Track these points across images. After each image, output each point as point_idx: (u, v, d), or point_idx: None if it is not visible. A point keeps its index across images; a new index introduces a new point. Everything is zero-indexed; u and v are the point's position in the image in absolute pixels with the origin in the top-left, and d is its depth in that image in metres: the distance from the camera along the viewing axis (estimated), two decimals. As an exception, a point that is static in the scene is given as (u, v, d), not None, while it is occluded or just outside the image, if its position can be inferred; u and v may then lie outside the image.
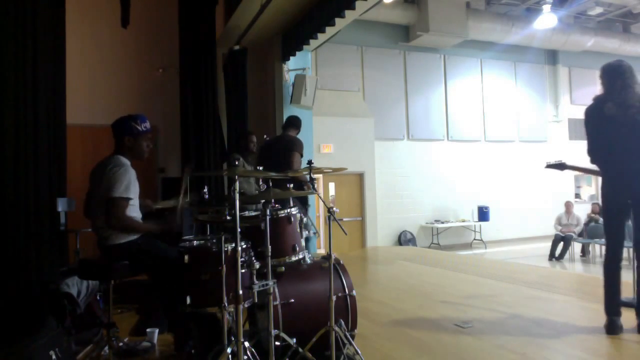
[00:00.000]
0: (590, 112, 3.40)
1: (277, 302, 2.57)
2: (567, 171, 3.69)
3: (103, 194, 2.74)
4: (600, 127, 3.32)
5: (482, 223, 11.27)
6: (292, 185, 2.73)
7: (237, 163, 2.32)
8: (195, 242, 2.58)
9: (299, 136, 5.07)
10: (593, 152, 3.36)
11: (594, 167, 3.43)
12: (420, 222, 10.90)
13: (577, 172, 3.46)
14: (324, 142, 9.20)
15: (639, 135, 3.16)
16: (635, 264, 3.34)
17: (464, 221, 11.22)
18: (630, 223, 3.31)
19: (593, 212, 10.79)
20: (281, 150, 4.78)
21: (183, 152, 7.24)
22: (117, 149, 2.92)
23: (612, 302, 3.19)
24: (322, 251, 7.96)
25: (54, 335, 2.50)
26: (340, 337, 2.54)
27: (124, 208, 2.74)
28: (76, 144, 6.84)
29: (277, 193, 2.61)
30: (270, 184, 2.74)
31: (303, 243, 2.87)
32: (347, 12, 6.33)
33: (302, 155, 4.75)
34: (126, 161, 2.87)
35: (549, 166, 3.71)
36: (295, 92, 7.62)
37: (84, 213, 3.00)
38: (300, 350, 2.52)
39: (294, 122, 5.12)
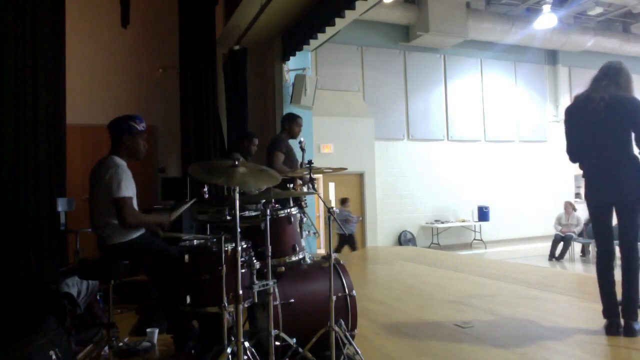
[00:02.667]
0: (569, 111, 3.36)
1: (277, 302, 2.57)
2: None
3: (105, 196, 2.74)
4: (576, 126, 3.27)
5: (482, 223, 11.27)
6: (291, 186, 2.73)
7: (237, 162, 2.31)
8: (195, 242, 2.58)
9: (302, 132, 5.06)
10: (571, 152, 3.33)
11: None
12: (420, 222, 10.90)
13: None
14: (324, 142, 9.21)
15: (610, 130, 3.08)
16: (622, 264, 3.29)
17: (463, 221, 11.22)
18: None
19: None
20: (268, 151, 4.88)
21: (183, 152, 7.24)
22: (113, 149, 2.91)
23: (610, 304, 3.18)
24: (322, 251, 7.95)
25: (54, 335, 2.50)
26: (340, 337, 2.54)
27: (131, 204, 2.78)
28: (76, 144, 6.84)
29: (277, 193, 2.61)
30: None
31: (303, 243, 2.87)
32: (347, 12, 6.32)
33: (283, 152, 4.77)
34: (121, 161, 2.86)
35: None
36: (295, 92, 7.62)
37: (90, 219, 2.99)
38: (300, 350, 2.52)
39: (283, 121, 5.11)
